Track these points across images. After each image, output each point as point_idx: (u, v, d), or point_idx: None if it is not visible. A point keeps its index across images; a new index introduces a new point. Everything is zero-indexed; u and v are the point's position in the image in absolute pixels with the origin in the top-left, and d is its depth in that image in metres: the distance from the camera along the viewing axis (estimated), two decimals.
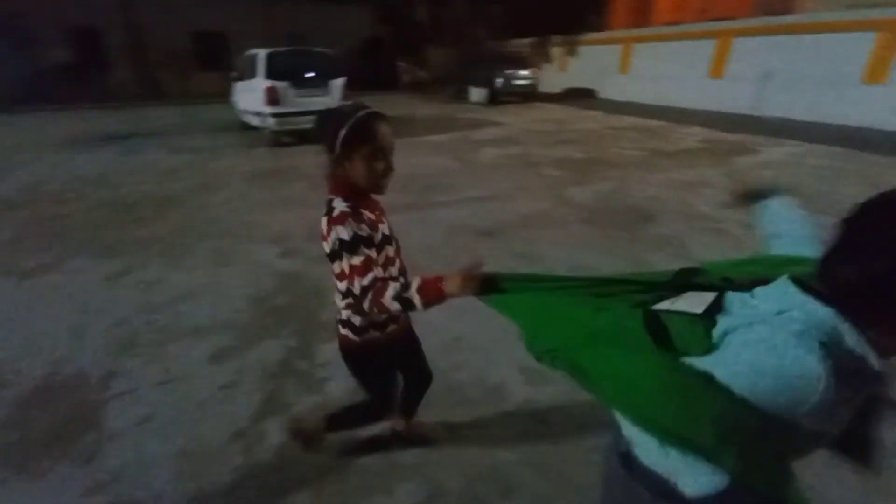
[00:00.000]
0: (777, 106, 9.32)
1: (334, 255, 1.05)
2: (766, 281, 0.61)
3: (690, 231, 3.60)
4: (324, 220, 1.08)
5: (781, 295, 0.57)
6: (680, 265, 0.79)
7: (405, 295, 0.97)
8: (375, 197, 1.18)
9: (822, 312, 0.52)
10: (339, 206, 1.07)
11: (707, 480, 0.61)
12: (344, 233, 1.03)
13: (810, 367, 0.50)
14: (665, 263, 2.63)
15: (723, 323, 0.59)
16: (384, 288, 0.99)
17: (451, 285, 0.92)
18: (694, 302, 0.65)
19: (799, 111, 8.99)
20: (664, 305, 0.68)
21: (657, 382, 0.60)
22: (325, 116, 1.11)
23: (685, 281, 0.72)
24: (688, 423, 0.57)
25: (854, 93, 8.26)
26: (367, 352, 1.27)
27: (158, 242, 3.52)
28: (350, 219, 1.05)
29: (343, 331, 1.26)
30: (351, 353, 1.30)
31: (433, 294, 0.96)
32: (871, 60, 8.11)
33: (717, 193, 4.43)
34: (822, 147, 6.60)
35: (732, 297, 0.63)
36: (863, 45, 8.16)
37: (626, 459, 0.75)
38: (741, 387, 0.53)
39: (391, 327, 1.27)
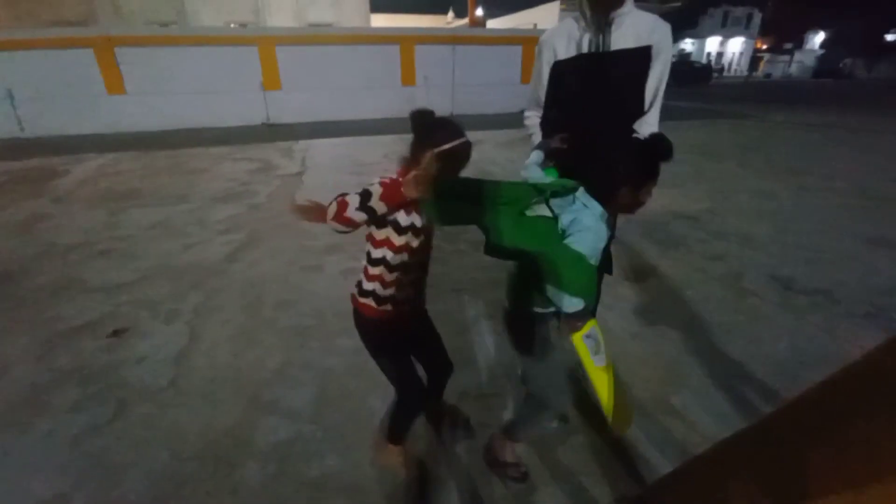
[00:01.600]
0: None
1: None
2: (564, 191, 1.14)
3: None
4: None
5: (586, 198, 1.12)
6: None
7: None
8: None
9: (597, 203, 1.11)
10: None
11: (577, 303, 1.04)
12: (370, 187, 1.11)
13: (603, 229, 1.11)
14: None
15: (563, 218, 1.11)
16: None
17: (408, 188, 1.05)
18: (543, 209, 1.15)
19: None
20: (532, 212, 1.15)
21: (567, 258, 1.04)
22: (442, 122, 1.18)
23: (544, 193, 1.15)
24: (578, 276, 1.04)
25: (103, 103, 9.50)
26: (378, 322, 1.36)
27: None
28: (385, 187, 1.09)
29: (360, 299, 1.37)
30: (361, 321, 1.41)
31: (395, 198, 1.09)
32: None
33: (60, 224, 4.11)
34: (122, 154, 7.36)
35: (560, 202, 1.13)
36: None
37: (527, 312, 1.28)
38: (591, 249, 1.06)
39: (404, 307, 1.36)
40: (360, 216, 1.13)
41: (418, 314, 1.51)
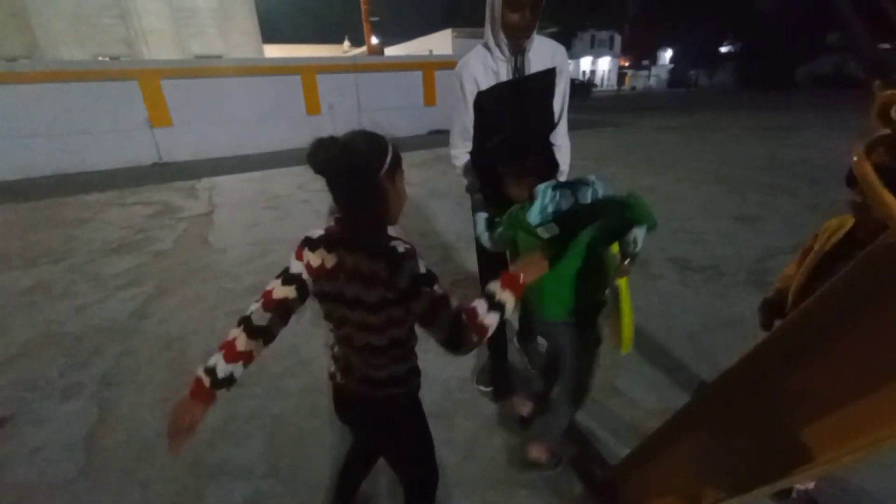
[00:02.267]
0: None
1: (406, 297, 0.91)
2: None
3: None
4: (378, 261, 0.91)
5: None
6: None
7: (496, 300, 0.91)
8: None
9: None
10: (397, 242, 0.93)
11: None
12: (421, 266, 0.92)
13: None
14: None
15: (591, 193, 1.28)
16: (472, 307, 0.91)
17: (527, 274, 0.99)
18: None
19: None
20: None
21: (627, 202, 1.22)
22: (360, 140, 0.91)
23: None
24: (645, 207, 1.21)
25: None
26: (415, 400, 1.13)
27: None
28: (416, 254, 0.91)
29: (388, 390, 1.05)
30: (406, 407, 1.12)
31: (516, 288, 0.96)
32: None
33: None
34: None
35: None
36: None
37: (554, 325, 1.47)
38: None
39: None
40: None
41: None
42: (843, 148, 7.04)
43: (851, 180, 1.06)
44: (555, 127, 1.77)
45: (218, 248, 4.23)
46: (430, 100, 12.77)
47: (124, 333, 2.76)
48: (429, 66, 12.58)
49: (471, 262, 3.61)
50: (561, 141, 1.80)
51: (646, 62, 47.95)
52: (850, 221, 1.15)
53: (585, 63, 48.30)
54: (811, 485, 1.46)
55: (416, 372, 1.11)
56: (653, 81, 47.86)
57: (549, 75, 1.66)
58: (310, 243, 0.99)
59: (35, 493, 1.66)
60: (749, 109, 14.49)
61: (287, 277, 0.99)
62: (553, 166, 1.37)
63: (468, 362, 2.31)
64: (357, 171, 0.89)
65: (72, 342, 2.69)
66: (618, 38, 47.35)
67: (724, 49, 30.29)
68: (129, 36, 14.86)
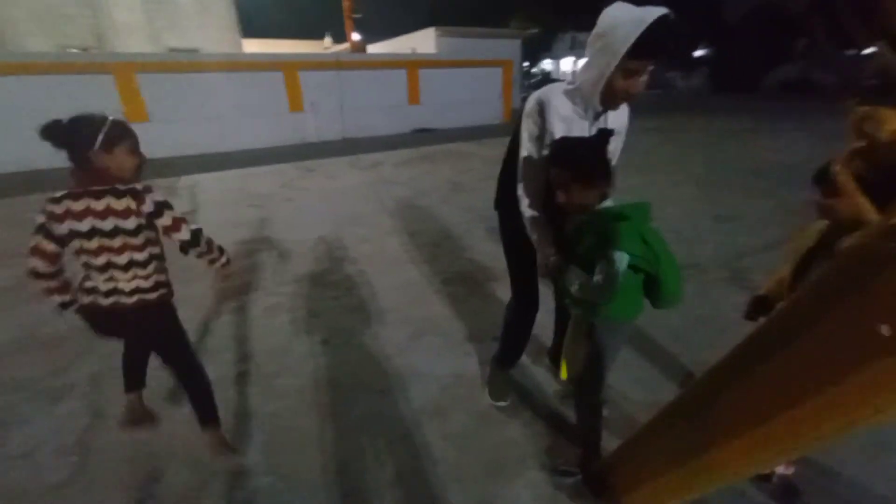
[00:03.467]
0: None
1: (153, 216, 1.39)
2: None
3: None
4: (126, 200, 1.33)
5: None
6: None
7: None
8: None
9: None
10: (138, 185, 1.38)
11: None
12: (159, 195, 1.40)
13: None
14: None
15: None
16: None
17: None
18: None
19: None
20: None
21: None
22: (74, 124, 1.32)
23: None
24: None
25: None
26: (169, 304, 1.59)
27: None
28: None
29: (155, 294, 1.49)
30: (162, 308, 1.56)
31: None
32: None
33: None
34: None
35: None
36: None
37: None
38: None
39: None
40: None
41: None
42: (811, 150, 7.40)
43: (819, 180, 1.17)
44: None
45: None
46: (413, 98, 12.77)
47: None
48: (413, 65, 12.57)
49: (460, 261, 3.66)
50: None
51: None
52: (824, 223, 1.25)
53: (566, 63, 48.97)
54: (791, 470, 1.56)
55: (166, 283, 1.59)
56: None
57: (604, 134, 1.46)
58: (53, 200, 1.33)
59: (28, 497, 1.64)
60: (719, 113, 14.96)
61: (46, 233, 1.36)
62: (610, 177, 1.36)
63: (462, 361, 2.36)
64: (70, 146, 1.32)
65: (54, 344, 2.62)
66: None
67: (698, 53, 31.14)
68: (100, 28, 14.32)
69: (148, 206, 1.38)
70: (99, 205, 1.33)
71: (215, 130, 10.16)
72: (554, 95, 1.44)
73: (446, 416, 1.97)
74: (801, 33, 20.44)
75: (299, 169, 7.91)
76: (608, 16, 1.25)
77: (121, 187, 1.35)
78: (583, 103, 1.42)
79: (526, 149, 1.53)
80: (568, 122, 1.44)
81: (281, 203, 5.72)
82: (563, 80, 1.52)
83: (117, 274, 1.41)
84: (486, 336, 2.56)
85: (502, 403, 2.02)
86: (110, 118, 1.38)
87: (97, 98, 8.83)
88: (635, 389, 2.09)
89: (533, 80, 37.12)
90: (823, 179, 1.15)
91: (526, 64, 32.83)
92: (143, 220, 1.39)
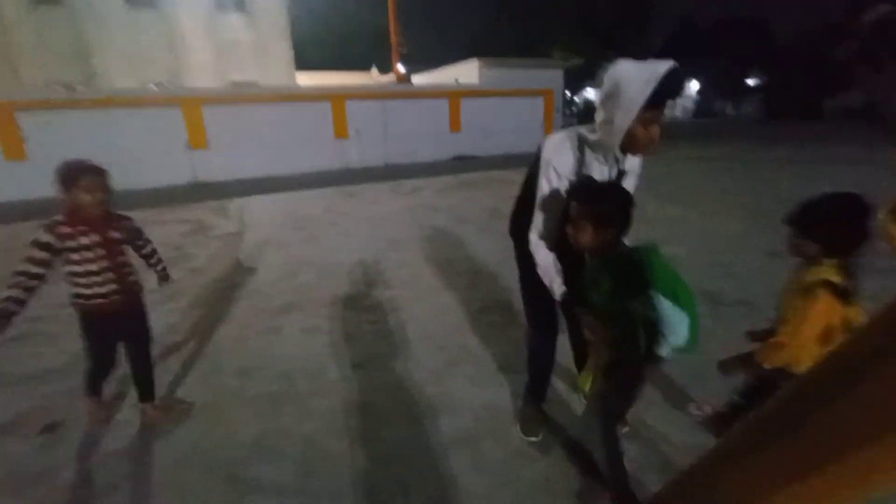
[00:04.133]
0: None
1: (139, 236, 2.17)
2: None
3: None
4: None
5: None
6: None
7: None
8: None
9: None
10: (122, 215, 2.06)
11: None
12: (136, 223, 2.08)
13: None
14: None
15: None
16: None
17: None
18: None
19: None
20: None
21: None
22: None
23: None
24: None
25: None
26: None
27: None
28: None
29: (137, 291, 2.09)
30: (140, 304, 2.15)
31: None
32: None
33: None
34: (35, 222, 6.77)
35: None
36: None
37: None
38: None
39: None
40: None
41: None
42: (876, 184, 6.88)
43: (791, 221, 1.39)
44: None
45: (249, 267, 4.38)
46: (455, 126, 13.09)
47: (161, 348, 2.87)
48: (455, 95, 12.96)
49: (498, 289, 3.63)
50: None
51: None
52: None
53: None
54: None
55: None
56: (678, 112, 47.89)
57: (624, 174, 1.59)
58: (52, 225, 1.78)
59: (81, 501, 1.73)
60: (777, 141, 14.30)
61: (41, 246, 1.77)
62: (629, 220, 1.37)
63: (496, 391, 2.32)
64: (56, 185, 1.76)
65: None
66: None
67: (750, 81, 30.24)
68: (176, 67, 15.84)
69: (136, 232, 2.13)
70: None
71: (267, 156, 10.83)
72: (560, 150, 1.53)
73: (478, 448, 1.92)
74: (864, 58, 19.45)
75: (342, 194, 8.23)
76: (618, 74, 1.33)
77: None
78: (603, 152, 1.49)
79: (543, 196, 1.58)
80: (588, 168, 1.52)
81: (324, 226, 5.94)
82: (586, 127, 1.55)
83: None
84: (522, 367, 2.49)
85: (533, 439, 1.96)
86: (75, 162, 1.79)
87: (167, 128, 9.70)
88: (675, 431, 1.96)
89: (574, 109, 37.15)
90: (794, 221, 1.37)
91: (567, 93, 33.02)
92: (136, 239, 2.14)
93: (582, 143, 1.52)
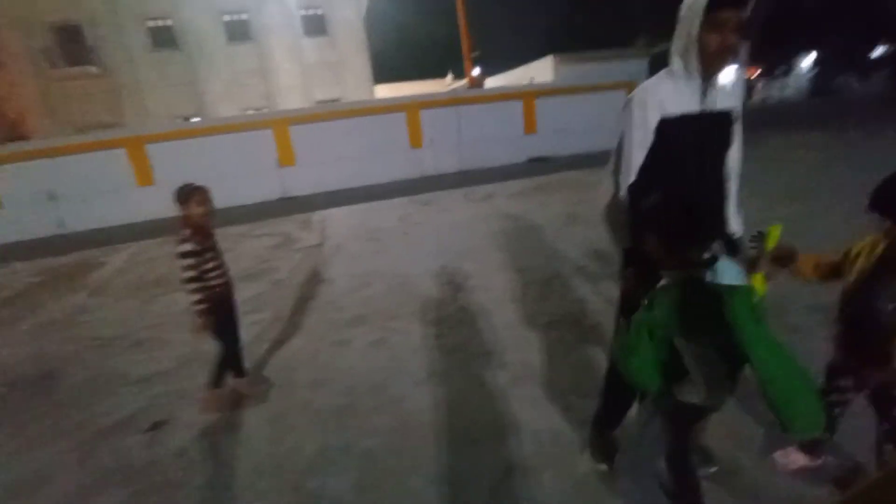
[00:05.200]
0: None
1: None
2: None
3: None
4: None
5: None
6: None
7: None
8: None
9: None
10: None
11: None
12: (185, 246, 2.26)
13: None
14: None
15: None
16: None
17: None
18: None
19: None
20: None
21: None
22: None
23: None
24: None
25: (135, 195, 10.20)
26: None
27: None
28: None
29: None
30: None
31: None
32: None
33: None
34: (151, 241, 7.64)
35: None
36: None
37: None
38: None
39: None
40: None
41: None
42: None
43: (874, 206, 1.30)
44: (725, 185, 1.55)
45: (325, 279, 4.66)
46: (530, 128, 12.82)
47: (248, 356, 3.15)
48: (529, 96, 12.69)
49: (568, 302, 3.45)
50: (732, 209, 1.59)
51: (779, 70, 42.37)
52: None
53: None
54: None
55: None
56: (789, 90, 42.06)
57: (731, 116, 1.48)
58: (188, 236, 2.27)
59: (175, 494, 1.95)
60: None
61: (188, 254, 2.26)
62: (707, 243, 1.17)
63: (562, 416, 2.18)
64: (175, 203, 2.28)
65: (210, 359, 3.14)
66: (745, 46, 42.79)
67: (875, 54, 25.56)
68: (269, 91, 17.58)
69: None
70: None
71: (347, 169, 11.50)
72: (648, 86, 1.46)
73: (539, 478, 1.81)
74: None
75: (415, 203, 8.45)
76: None
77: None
78: (683, 73, 1.40)
79: (628, 134, 1.47)
80: (674, 97, 1.41)
81: (396, 237, 6.13)
82: None
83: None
84: (592, 391, 2.32)
85: (603, 467, 1.79)
86: (190, 184, 2.31)
87: (261, 149, 10.73)
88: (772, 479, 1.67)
89: None
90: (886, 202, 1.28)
91: None
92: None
93: (669, 78, 1.44)
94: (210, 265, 2.33)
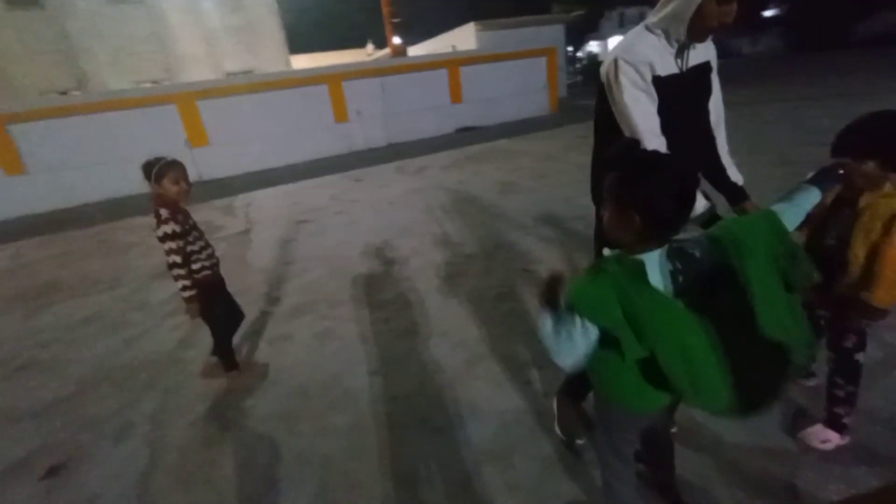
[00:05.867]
0: None
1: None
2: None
3: None
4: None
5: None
6: None
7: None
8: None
9: None
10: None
11: None
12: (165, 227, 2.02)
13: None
14: None
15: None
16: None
17: None
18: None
19: None
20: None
21: None
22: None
23: None
24: None
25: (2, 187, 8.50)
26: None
27: None
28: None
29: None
30: None
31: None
32: None
33: None
34: (31, 240, 6.58)
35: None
36: None
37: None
38: None
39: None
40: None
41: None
42: None
43: (840, 148, 1.34)
44: (710, 132, 1.63)
45: (257, 269, 4.24)
46: (456, 97, 12.57)
47: (171, 366, 2.76)
48: (453, 64, 12.38)
49: (514, 273, 3.41)
50: (723, 153, 1.66)
51: None
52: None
53: (614, 43, 46.60)
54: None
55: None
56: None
57: (707, 68, 1.52)
58: (168, 217, 2.01)
59: None
60: (798, 77, 13.35)
61: (173, 236, 2.02)
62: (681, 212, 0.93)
63: (523, 392, 2.13)
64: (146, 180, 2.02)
65: (124, 377, 2.71)
66: (648, 13, 45.27)
67: (768, 13, 28.10)
68: (168, 62, 15.51)
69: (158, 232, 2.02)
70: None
71: (269, 147, 10.58)
72: (632, 45, 1.39)
73: (509, 461, 1.75)
74: None
75: (348, 179, 7.99)
76: None
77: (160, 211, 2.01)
78: (665, 35, 1.36)
79: (630, 98, 1.38)
80: (660, 58, 1.37)
81: (331, 216, 5.75)
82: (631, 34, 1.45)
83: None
84: (548, 362, 2.28)
85: (580, 441, 1.75)
86: (162, 159, 2.02)
87: (164, 127, 9.50)
88: (737, 431, 1.75)
89: (579, 66, 35.54)
90: (845, 146, 1.33)
91: (570, 49, 31.37)
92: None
93: (651, 35, 1.40)
94: (195, 246, 2.14)
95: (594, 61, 36.55)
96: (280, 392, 2.36)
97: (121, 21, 14.58)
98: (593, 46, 47.91)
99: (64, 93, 13.38)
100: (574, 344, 0.96)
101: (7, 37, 13.38)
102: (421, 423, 2.02)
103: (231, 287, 2.54)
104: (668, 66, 1.39)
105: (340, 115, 11.27)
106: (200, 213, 6.80)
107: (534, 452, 1.78)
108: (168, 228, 1.99)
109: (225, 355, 2.46)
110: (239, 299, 3.58)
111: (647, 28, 1.41)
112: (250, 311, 3.32)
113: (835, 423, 1.57)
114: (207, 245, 2.23)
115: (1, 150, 8.49)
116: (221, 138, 10.06)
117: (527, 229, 4.30)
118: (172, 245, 2.01)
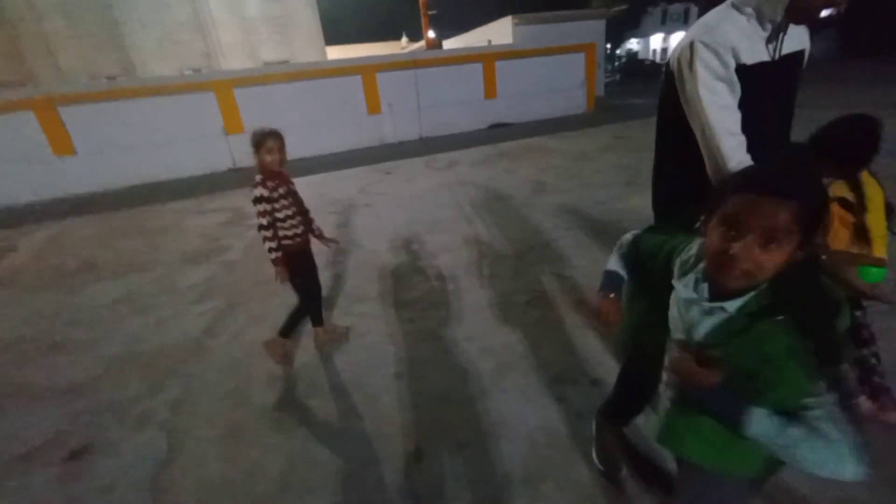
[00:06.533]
0: None
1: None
2: None
3: None
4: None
5: None
6: None
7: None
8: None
9: None
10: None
11: None
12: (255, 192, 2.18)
13: None
14: None
15: None
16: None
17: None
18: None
19: None
20: None
21: None
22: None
23: None
24: None
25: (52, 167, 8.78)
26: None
27: None
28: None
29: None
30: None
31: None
32: None
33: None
34: (73, 220, 6.73)
35: None
36: None
37: None
38: None
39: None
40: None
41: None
42: None
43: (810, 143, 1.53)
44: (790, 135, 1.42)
45: None
46: (490, 92, 12.33)
47: (196, 353, 2.75)
48: (489, 58, 12.13)
49: (546, 278, 3.25)
50: None
51: None
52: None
53: (656, 41, 44.90)
54: None
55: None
56: None
57: (801, 58, 1.30)
58: (260, 181, 2.18)
59: None
60: (855, 84, 12.46)
61: (260, 199, 2.17)
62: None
63: (554, 409, 1.98)
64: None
65: (149, 361, 2.72)
66: (694, 10, 43.40)
67: (824, 13, 26.48)
68: (208, 49, 15.88)
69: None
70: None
71: (301, 137, 10.62)
72: (714, 26, 1.18)
73: (537, 488, 1.62)
74: None
75: (377, 172, 7.94)
76: None
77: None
78: (757, 15, 1.16)
79: (706, 89, 1.17)
80: (748, 45, 1.17)
81: (359, 209, 5.70)
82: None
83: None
84: (583, 376, 2.16)
85: (621, 473, 1.59)
86: (260, 130, 2.21)
87: (203, 113, 9.69)
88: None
89: (618, 64, 34.47)
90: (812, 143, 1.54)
91: (608, 46, 30.31)
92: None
93: (739, 16, 1.18)
94: (282, 214, 2.24)
95: (633, 59, 35.37)
96: (298, 390, 2.30)
97: (165, 9, 15.00)
98: (633, 44, 46.41)
99: (112, 78, 13.89)
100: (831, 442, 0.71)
101: (57, 22, 13.96)
102: (444, 434, 1.90)
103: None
104: (757, 52, 1.17)
105: (373, 107, 11.24)
106: (232, 200, 6.91)
107: (567, 481, 1.64)
108: (257, 192, 2.14)
109: (314, 312, 2.59)
110: (263, 289, 3.62)
111: (734, 6, 1.18)
112: (272, 305, 3.30)
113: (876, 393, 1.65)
114: (296, 213, 2.32)
115: (52, 130, 8.84)
116: (256, 125, 10.17)
117: (560, 231, 4.11)
118: (259, 208, 2.15)
